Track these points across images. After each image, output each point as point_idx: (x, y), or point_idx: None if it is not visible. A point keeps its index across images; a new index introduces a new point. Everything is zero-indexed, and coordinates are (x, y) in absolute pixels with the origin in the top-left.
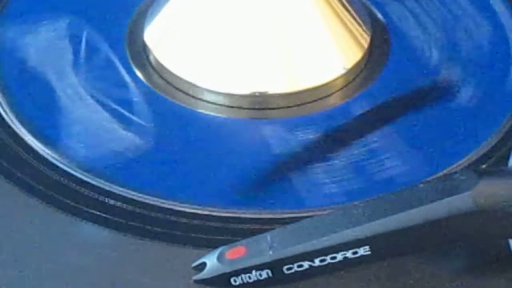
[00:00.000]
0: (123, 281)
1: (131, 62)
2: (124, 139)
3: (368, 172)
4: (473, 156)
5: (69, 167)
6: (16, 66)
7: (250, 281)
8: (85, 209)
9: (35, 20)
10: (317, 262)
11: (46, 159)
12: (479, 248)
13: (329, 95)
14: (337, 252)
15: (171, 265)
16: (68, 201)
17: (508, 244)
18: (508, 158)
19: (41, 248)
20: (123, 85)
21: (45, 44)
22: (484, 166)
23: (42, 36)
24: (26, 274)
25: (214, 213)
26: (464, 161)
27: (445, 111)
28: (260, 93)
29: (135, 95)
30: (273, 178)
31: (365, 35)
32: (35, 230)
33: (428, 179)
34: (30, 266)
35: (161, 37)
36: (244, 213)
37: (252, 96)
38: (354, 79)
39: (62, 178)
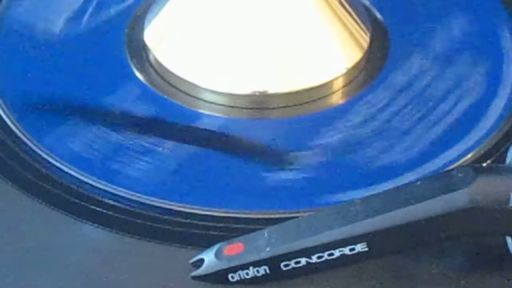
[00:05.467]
0: (122, 280)
1: (131, 62)
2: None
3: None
4: (472, 155)
5: (68, 167)
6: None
7: (248, 277)
8: (85, 209)
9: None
10: (314, 258)
11: (46, 159)
12: (477, 247)
13: (329, 95)
14: (334, 248)
15: (169, 263)
16: (68, 201)
17: (506, 243)
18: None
19: (41, 248)
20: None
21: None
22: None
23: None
24: (26, 273)
25: (214, 213)
26: (463, 161)
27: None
28: (260, 93)
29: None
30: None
31: (364, 35)
32: (35, 230)
33: (426, 176)
34: (29, 266)
35: (161, 37)
36: (243, 213)
37: (252, 96)
38: (354, 79)
39: (62, 178)
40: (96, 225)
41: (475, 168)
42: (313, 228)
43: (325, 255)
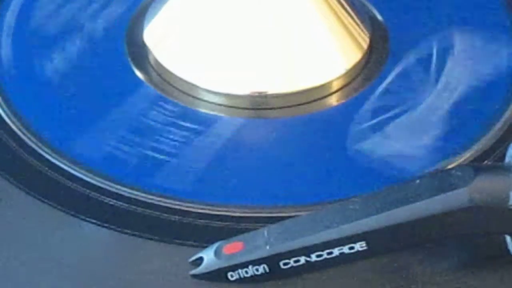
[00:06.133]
0: (122, 280)
1: (131, 62)
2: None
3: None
4: (472, 154)
5: (69, 167)
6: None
7: (247, 276)
8: (85, 208)
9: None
10: (313, 257)
11: (46, 159)
12: (476, 246)
13: (329, 95)
14: (333, 247)
15: (169, 262)
16: (68, 201)
17: (505, 242)
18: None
19: (41, 247)
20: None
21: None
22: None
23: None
24: (25, 273)
25: (214, 212)
26: (463, 160)
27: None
28: (260, 93)
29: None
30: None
31: (364, 36)
32: (35, 230)
33: (425, 175)
34: (29, 266)
35: (161, 37)
36: (243, 212)
37: (252, 96)
38: (353, 79)
39: (62, 178)
40: (96, 224)
41: (474, 167)
42: (313, 227)
43: (325, 254)
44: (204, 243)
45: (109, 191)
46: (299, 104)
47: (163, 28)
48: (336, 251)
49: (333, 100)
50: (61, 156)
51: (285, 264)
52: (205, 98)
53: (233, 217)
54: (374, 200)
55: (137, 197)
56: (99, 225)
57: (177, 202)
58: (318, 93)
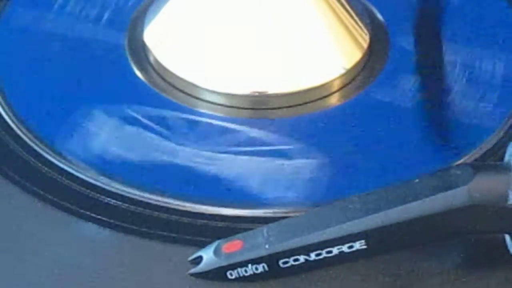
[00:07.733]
0: (121, 278)
1: (131, 62)
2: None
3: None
4: (473, 155)
5: (69, 167)
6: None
7: (246, 274)
8: (85, 209)
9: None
10: (313, 256)
11: (46, 159)
12: (476, 245)
13: (329, 95)
14: (333, 246)
15: (168, 261)
16: (68, 201)
17: (504, 241)
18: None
19: (41, 247)
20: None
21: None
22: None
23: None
24: (25, 274)
25: (214, 212)
26: (464, 160)
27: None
28: (260, 93)
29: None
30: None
31: (364, 35)
32: (35, 230)
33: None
34: (29, 266)
35: (161, 37)
36: (243, 212)
37: (252, 96)
38: (353, 79)
39: (62, 178)
40: (94, 223)
41: (474, 166)
42: (312, 226)
43: (324, 253)
44: (203, 242)
45: (108, 190)
46: (299, 104)
47: (163, 28)
48: (335, 250)
49: (334, 100)
50: (61, 155)
51: (284, 263)
52: (205, 98)
53: (232, 216)
54: (373, 199)
55: (136, 197)
56: (98, 224)
57: (176, 202)
58: (318, 93)
